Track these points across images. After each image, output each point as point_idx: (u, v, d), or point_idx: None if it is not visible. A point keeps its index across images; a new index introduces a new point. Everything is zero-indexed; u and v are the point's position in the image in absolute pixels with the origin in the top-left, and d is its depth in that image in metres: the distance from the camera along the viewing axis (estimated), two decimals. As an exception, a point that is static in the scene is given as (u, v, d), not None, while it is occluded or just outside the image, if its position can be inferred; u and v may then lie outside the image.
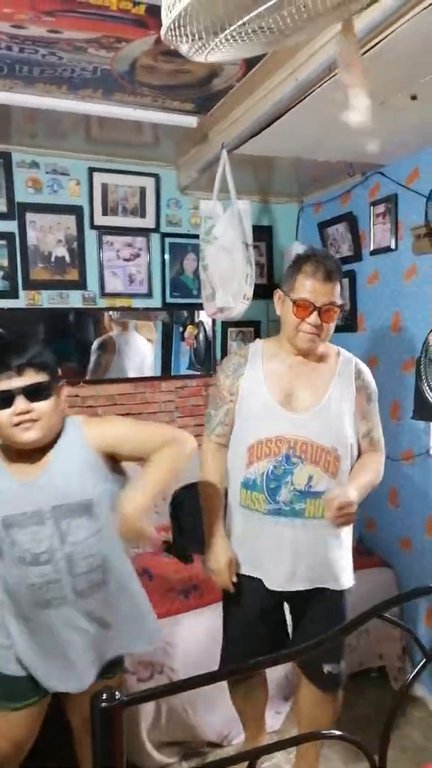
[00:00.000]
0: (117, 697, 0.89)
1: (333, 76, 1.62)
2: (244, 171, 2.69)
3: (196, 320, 3.03)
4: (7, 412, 1.33)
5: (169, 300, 2.91)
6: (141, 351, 3.02)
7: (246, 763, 0.94)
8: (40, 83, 1.87)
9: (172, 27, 0.85)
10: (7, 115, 2.19)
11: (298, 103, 1.81)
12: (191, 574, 2.41)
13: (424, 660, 1.07)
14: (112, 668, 1.55)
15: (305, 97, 1.77)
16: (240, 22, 0.79)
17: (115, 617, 1.50)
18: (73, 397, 2.74)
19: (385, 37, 1.44)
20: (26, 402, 1.33)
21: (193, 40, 0.88)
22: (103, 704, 0.89)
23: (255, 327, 3.09)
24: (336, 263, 1.66)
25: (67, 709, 1.61)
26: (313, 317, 1.59)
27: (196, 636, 2.12)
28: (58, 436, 1.44)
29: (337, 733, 1.07)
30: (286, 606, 1.79)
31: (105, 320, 2.87)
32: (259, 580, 1.67)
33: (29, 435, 1.35)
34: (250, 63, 1.77)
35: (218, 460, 1.77)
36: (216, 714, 2.09)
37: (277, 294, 1.69)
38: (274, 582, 1.65)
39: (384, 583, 2.52)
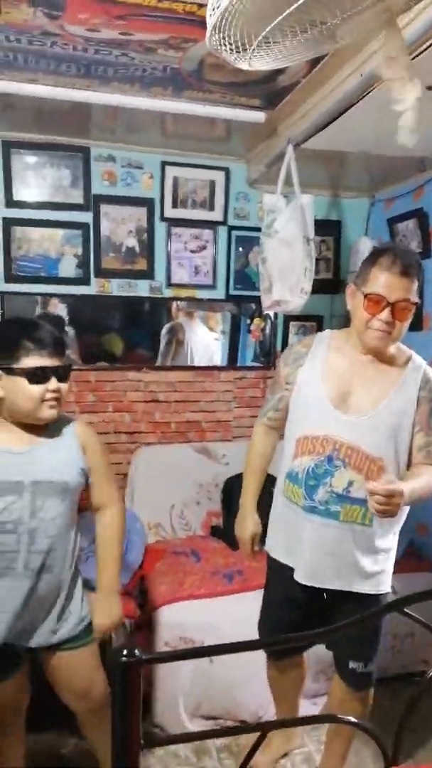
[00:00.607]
0: (136, 654, 0.97)
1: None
2: (316, 165, 2.69)
3: (264, 313, 3.07)
4: (41, 387, 1.44)
5: (232, 292, 2.97)
6: (205, 341, 3.10)
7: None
8: (115, 82, 1.98)
9: (215, 33, 0.90)
10: (87, 112, 2.32)
11: (362, 97, 1.81)
12: (237, 560, 2.47)
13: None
14: (74, 640, 1.59)
15: (369, 92, 1.76)
16: (269, 27, 0.83)
17: (49, 609, 1.54)
18: (137, 382, 2.87)
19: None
20: (56, 382, 1.46)
21: (235, 46, 0.94)
22: (123, 659, 0.97)
23: (317, 321, 3.09)
24: (415, 259, 1.57)
25: (54, 686, 1.65)
26: (385, 313, 1.50)
27: (237, 619, 2.18)
28: (57, 421, 1.54)
29: (350, 719, 1.10)
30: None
31: (173, 310, 2.98)
32: (292, 569, 1.70)
33: (52, 412, 1.48)
34: (314, 60, 1.78)
35: (265, 441, 1.82)
36: (252, 694, 2.15)
37: (350, 287, 1.62)
38: (303, 575, 1.66)
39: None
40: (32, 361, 1.43)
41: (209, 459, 2.90)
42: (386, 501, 1.34)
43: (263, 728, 1.04)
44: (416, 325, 2.73)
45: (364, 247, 2.94)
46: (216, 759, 2.07)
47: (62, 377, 1.48)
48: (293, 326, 3.09)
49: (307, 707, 2.23)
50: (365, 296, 1.52)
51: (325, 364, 1.65)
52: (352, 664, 1.71)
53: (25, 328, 1.48)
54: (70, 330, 2.81)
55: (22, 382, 1.42)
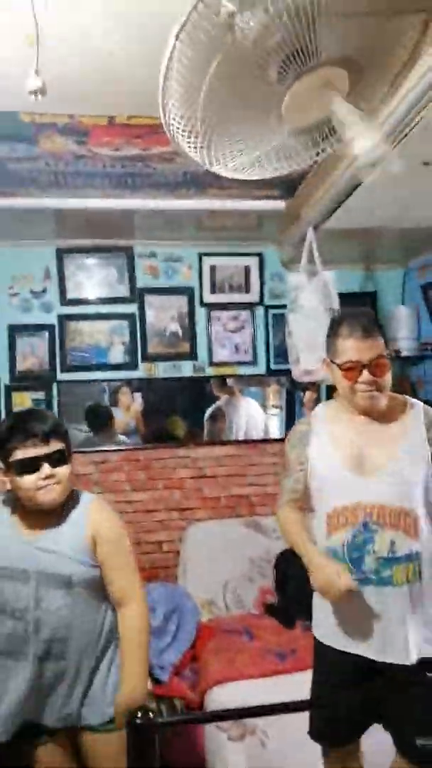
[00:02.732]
0: (151, 717, 0.99)
1: (397, 143, 1.74)
2: (347, 242, 2.84)
3: (317, 385, 3.13)
4: (33, 477, 1.47)
5: (273, 366, 3.07)
6: (250, 415, 3.18)
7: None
8: (144, 189, 2.25)
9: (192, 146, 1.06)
10: (128, 216, 2.61)
11: (366, 174, 1.94)
12: (290, 638, 2.40)
13: None
14: (103, 724, 1.57)
15: (372, 171, 1.90)
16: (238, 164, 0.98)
17: (54, 693, 1.55)
18: (184, 458, 2.96)
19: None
20: (50, 468, 1.48)
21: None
22: (138, 721, 0.99)
23: (361, 390, 3.10)
24: (373, 318, 1.63)
25: None
26: (365, 375, 1.53)
27: (293, 699, 2.09)
28: (68, 506, 1.57)
29: None
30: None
31: (215, 388, 3.11)
32: (344, 654, 1.61)
33: (50, 497, 1.49)
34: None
35: (294, 516, 1.76)
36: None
37: (325, 361, 1.66)
38: (375, 652, 1.57)
39: None
40: (20, 453, 1.47)
41: (259, 533, 2.89)
42: None
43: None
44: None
45: (401, 314, 3.00)
46: None
47: (57, 462, 1.50)
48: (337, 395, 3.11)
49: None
50: (340, 367, 1.56)
51: (331, 436, 1.65)
52: (420, 741, 1.56)
53: (14, 421, 1.55)
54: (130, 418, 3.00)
55: (15, 476, 1.49)
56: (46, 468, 1.47)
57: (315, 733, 1.75)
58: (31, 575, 1.49)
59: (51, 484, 1.48)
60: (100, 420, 2.93)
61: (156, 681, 2.18)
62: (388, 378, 1.58)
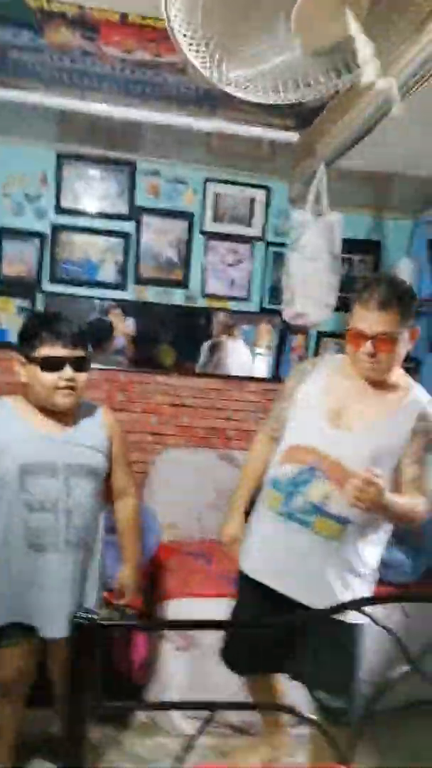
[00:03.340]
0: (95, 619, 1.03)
1: (421, 86, 1.64)
2: (360, 186, 2.75)
3: (308, 331, 3.11)
4: (54, 375, 1.54)
5: (266, 305, 3.04)
6: (244, 357, 3.17)
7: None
8: (152, 101, 2.12)
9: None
10: (134, 129, 2.48)
11: (384, 117, 1.85)
12: (246, 567, 2.50)
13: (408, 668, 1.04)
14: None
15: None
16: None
17: (89, 578, 1.70)
18: (164, 385, 2.98)
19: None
20: (72, 371, 1.55)
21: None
22: (80, 620, 1.02)
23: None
24: (399, 291, 1.56)
25: (48, 666, 1.78)
26: (367, 347, 1.54)
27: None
28: (80, 408, 1.66)
29: (307, 716, 1.09)
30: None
31: (215, 322, 3.08)
32: (260, 585, 1.69)
33: (67, 400, 1.57)
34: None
35: (264, 448, 1.85)
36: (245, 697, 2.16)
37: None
38: (270, 578, 1.67)
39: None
40: (47, 350, 1.54)
41: (231, 465, 2.95)
42: (363, 487, 1.38)
43: (211, 708, 1.07)
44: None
45: (405, 267, 2.94)
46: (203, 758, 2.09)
47: (78, 367, 1.57)
48: (327, 342, 3.11)
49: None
50: (348, 331, 1.59)
51: (326, 382, 1.69)
52: (319, 694, 1.66)
53: (45, 320, 1.61)
54: (119, 338, 2.96)
55: (37, 369, 1.54)
56: (68, 370, 1.55)
57: (224, 658, 1.87)
58: (60, 468, 1.59)
59: (69, 387, 1.56)
60: (101, 335, 2.87)
61: (109, 590, 2.28)
62: (390, 355, 1.57)
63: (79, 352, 1.57)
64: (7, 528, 1.61)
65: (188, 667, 2.19)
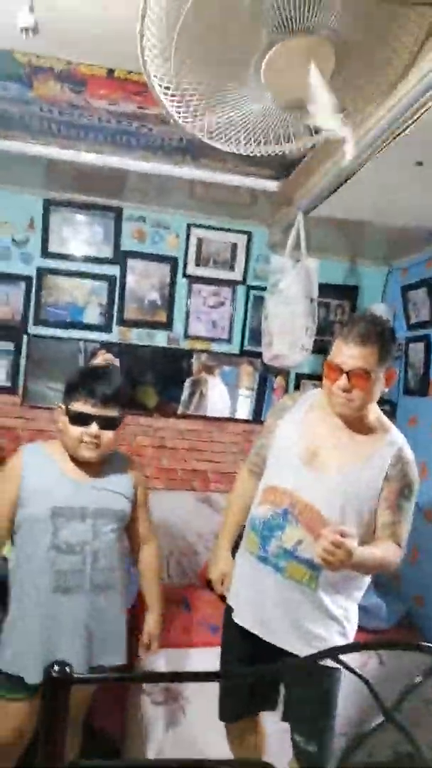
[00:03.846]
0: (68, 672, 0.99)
1: (386, 145, 1.74)
2: (336, 233, 2.84)
3: (287, 372, 3.14)
4: (80, 429, 1.64)
5: (246, 347, 3.08)
6: (223, 396, 3.19)
7: None
8: (139, 150, 2.20)
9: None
10: (120, 176, 2.56)
11: (361, 167, 1.93)
12: (226, 612, 2.45)
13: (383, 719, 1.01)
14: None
15: (367, 161, 1.89)
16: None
17: (108, 624, 1.71)
18: (146, 427, 2.97)
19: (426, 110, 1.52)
20: (98, 429, 1.63)
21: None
22: (54, 674, 0.99)
23: (330, 382, 3.14)
24: (379, 328, 1.57)
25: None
26: (342, 381, 1.54)
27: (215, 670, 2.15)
28: (109, 457, 1.75)
29: None
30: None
31: (195, 363, 3.10)
32: (245, 630, 1.68)
33: (90, 454, 1.66)
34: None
35: (247, 484, 1.86)
36: (219, 754, 2.08)
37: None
38: (249, 622, 1.66)
39: (423, 663, 2.36)
40: (78, 405, 1.64)
41: (211, 508, 2.92)
42: (331, 550, 1.31)
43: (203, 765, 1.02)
44: (423, 391, 2.76)
45: (380, 312, 3.01)
46: None
47: (106, 425, 1.65)
48: (305, 384, 3.14)
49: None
50: (325, 364, 1.60)
51: (304, 420, 1.68)
52: (296, 737, 1.64)
53: (85, 376, 1.72)
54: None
55: (68, 421, 1.66)
56: (94, 427, 1.63)
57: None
58: (89, 512, 1.67)
59: (93, 443, 1.64)
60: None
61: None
62: (367, 394, 1.57)
63: (108, 412, 1.65)
64: (35, 571, 1.65)
65: (166, 721, 2.11)
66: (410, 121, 1.57)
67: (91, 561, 1.67)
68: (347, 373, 1.54)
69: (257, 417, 3.13)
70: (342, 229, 2.77)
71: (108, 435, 1.66)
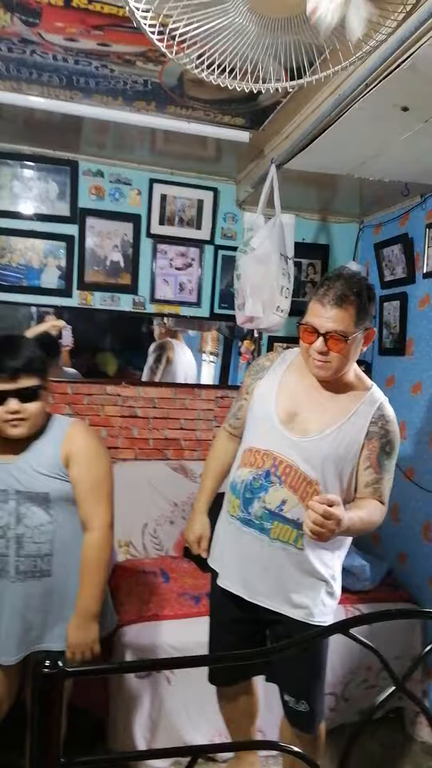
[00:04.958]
0: (59, 666, 0.91)
1: (372, 89, 1.61)
2: (307, 189, 2.72)
3: (255, 336, 3.06)
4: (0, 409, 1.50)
5: (217, 310, 2.96)
6: (190, 362, 3.08)
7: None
8: (97, 94, 2.00)
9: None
10: (76, 126, 2.34)
11: (339, 117, 1.81)
12: (206, 582, 2.39)
13: (393, 688, 1.00)
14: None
15: (346, 111, 1.77)
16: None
17: (49, 610, 1.61)
18: (114, 396, 2.84)
19: (420, 47, 1.40)
20: (18, 403, 1.50)
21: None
22: (45, 670, 0.90)
23: (302, 344, 3.07)
24: (357, 287, 1.50)
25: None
26: (318, 344, 1.49)
27: (203, 641, 2.11)
28: (42, 430, 1.61)
29: (293, 748, 1.03)
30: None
31: (159, 328, 2.97)
32: (233, 593, 1.66)
33: (16, 431, 1.53)
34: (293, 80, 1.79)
35: (225, 446, 1.84)
36: (209, 720, 2.07)
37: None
38: (234, 585, 1.65)
39: (407, 621, 2.40)
40: None
41: (185, 477, 2.85)
42: (321, 522, 1.28)
43: (193, 752, 0.98)
44: (399, 350, 2.72)
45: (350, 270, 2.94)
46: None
47: (26, 398, 1.52)
48: (277, 347, 3.07)
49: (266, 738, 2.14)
50: (300, 325, 1.54)
51: (282, 380, 1.65)
52: (286, 697, 1.66)
53: None
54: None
55: None
56: (12, 403, 1.50)
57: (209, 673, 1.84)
58: (10, 494, 1.55)
59: (17, 419, 1.50)
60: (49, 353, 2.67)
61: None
62: (342, 355, 1.51)
63: (24, 383, 1.51)
64: None
65: (150, 694, 2.08)
66: (401, 60, 1.45)
67: (15, 547, 1.56)
68: (324, 335, 1.48)
69: (224, 383, 3.04)
70: (312, 184, 2.65)
71: (30, 408, 1.52)
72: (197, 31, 0.97)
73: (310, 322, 1.50)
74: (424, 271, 2.58)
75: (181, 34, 0.94)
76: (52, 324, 2.52)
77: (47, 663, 0.90)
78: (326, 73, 1.19)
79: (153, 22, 0.96)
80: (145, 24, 0.95)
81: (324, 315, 1.48)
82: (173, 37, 0.99)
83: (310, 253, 3.04)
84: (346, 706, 2.31)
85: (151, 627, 2.16)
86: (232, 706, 1.88)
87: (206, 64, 1.04)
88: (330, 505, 1.29)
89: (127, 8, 0.91)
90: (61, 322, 2.60)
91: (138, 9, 0.94)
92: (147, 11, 0.91)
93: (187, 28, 0.98)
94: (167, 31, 0.99)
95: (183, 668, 1.91)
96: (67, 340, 2.72)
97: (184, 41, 0.99)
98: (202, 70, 1.03)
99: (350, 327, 1.48)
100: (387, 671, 1.02)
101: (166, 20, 0.99)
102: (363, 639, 1.08)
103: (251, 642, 1.72)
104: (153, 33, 0.96)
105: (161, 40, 0.99)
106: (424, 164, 2.12)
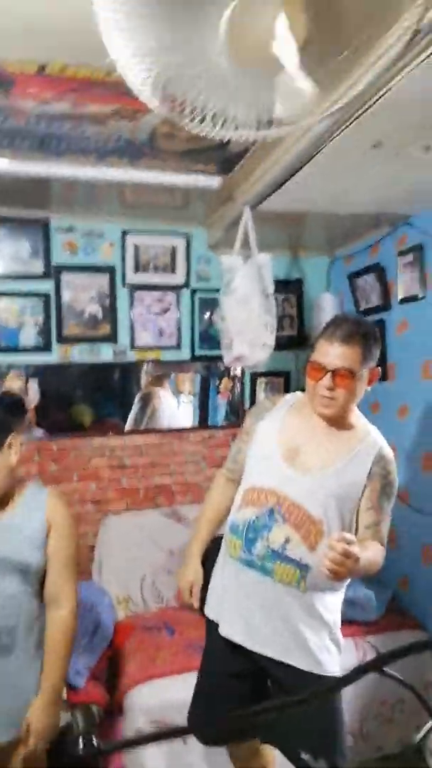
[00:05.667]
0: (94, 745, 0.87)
1: (345, 129, 1.66)
2: (276, 227, 2.77)
3: (232, 374, 3.08)
4: None
5: (197, 352, 2.97)
6: (173, 406, 3.07)
7: None
8: (69, 154, 2.02)
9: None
10: (45, 185, 2.36)
11: (311, 159, 1.86)
12: (213, 632, 2.34)
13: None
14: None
15: (318, 153, 1.82)
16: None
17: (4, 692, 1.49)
18: (100, 448, 2.80)
19: (396, 83, 1.44)
20: None
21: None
22: (80, 752, 0.86)
23: (284, 377, 3.10)
24: (363, 329, 1.57)
25: None
26: (326, 380, 1.53)
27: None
28: (19, 494, 1.55)
29: None
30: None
31: (142, 378, 2.95)
32: (230, 642, 1.61)
33: None
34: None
35: (222, 491, 1.82)
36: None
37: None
38: (233, 632, 1.60)
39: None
40: None
41: (179, 523, 2.80)
42: (341, 561, 1.28)
43: None
44: (381, 376, 2.75)
45: (326, 303, 3.00)
46: None
47: None
48: (260, 382, 3.09)
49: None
50: (308, 363, 1.59)
51: (284, 421, 1.67)
52: (303, 755, 1.56)
53: None
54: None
55: None
56: None
57: (191, 722, 1.74)
58: None
59: None
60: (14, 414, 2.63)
61: (71, 687, 2.04)
62: (350, 393, 1.56)
63: None
64: None
65: (166, 754, 1.98)
66: (373, 100, 1.50)
67: None
68: (332, 372, 1.53)
69: (203, 423, 3.03)
70: (281, 222, 2.71)
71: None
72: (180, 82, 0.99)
73: (317, 360, 1.56)
74: (400, 297, 2.64)
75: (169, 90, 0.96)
76: (11, 383, 2.50)
77: (82, 744, 0.86)
78: (303, 123, 1.22)
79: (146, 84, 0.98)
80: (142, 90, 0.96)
81: (332, 353, 1.53)
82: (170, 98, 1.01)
83: (285, 289, 3.10)
84: (365, 746, 2.25)
85: (159, 685, 2.09)
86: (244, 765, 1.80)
87: (196, 116, 1.06)
88: (348, 544, 1.30)
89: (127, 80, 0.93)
90: (22, 380, 2.56)
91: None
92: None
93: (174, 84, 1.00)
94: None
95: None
96: (33, 397, 2.68)
97: (175, 99, 1.01)
98: (198, 123, 1.05)
99: (356, 364, 1.53)
100: (422, 704, 0.99)
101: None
102: (398, 675, 1.05)
103: (251, 698, 1.65)
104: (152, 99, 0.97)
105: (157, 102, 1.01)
106: (393, 192, 2.20)
